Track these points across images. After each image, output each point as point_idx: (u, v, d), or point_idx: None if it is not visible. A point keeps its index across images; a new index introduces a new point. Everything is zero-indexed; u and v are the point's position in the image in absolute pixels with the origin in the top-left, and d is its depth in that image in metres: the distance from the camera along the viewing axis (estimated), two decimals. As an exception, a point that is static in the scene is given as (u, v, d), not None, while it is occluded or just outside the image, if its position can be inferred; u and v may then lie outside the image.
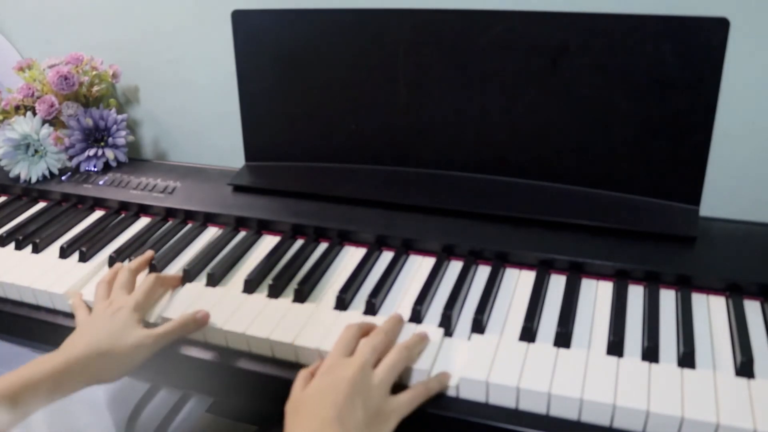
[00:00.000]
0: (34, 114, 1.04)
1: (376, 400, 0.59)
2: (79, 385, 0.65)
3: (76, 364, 0.65)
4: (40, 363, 0.64)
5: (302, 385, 0.61)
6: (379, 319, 0.69)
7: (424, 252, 0.81)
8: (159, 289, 0.76)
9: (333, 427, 0.55)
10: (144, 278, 0.76)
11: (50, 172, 1.04)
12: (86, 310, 0.75)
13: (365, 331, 0.66)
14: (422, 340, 0.65)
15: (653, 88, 0.77)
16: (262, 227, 0.89)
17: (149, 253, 0.83)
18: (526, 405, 0.60)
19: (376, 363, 0.62)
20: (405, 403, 0.60)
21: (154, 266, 0.81)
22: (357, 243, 0.84)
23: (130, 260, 0.83)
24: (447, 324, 0.68)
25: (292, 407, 0.60)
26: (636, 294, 0.71)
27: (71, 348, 0.67)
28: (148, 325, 0.73)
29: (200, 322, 0.71)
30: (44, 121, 1.04)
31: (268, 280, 0.76)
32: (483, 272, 0.76)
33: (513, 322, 0.68)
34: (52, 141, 1.02)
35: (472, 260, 0.77)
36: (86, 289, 0.79)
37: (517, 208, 0.81)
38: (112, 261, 0.84)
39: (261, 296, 0.75)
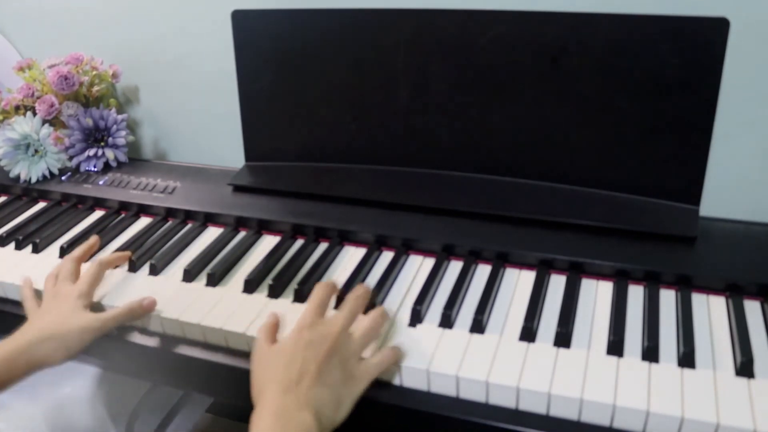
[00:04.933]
0: (34, 114, 1.04)
1: (352, 362, 0.61)
2: (28, 370, 0.68)
3: (25, 350, 0.67)
4: None
5: (268, 339, 0.64)
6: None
7: (424, 252, 0.81)
8: (103, 273, 0.78)
9: (313, 382, 0.58)
10: (88, 265, 0.78)
11: (50, 172, 1.04)
12: (34, 301, 0.77)
13: (335, 290, 0.70)
14: (386, 314, 0.68)
15: (653, 88, 0.77)
16: (262, 227, 0.89)
17: (93, 239, 0.85)
18: (526, 405, 0.60)
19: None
20: (375, 365, 0.62)
21: (154, 266, 0.81)
22: (357, 243, 0.84)
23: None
24: (447, 324, 0.68)
25: (261, 360, 0.62)
26: (636, 294, 0.71)
27: (20, 335, 0.69)
28: None
29: (147, 308, 0.73)
30: (44, 121, 1.04)
31: (268, 280, 0.76)
32: (483, 272, 0.76)
33: (513, 322, 0.68)
34: (52, 141, 1.02)
35: (472, 260, 0.77)
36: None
37: (517, 208, 0.81)
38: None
39: (261, 296, 0.75)
